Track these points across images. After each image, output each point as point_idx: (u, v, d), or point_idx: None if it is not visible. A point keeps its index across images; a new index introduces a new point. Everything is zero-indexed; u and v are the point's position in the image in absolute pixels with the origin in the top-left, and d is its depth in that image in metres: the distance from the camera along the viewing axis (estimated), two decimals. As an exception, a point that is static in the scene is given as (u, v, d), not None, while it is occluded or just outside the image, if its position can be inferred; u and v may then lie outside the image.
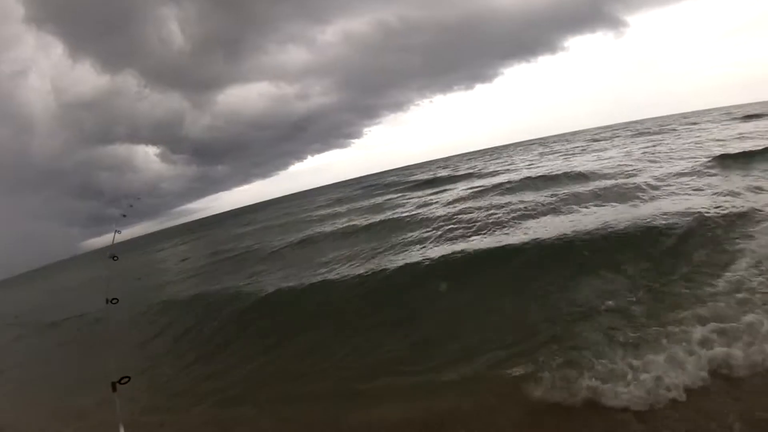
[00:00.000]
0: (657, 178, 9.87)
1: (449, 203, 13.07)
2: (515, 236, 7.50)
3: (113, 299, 2.90)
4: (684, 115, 48.28)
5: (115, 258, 3.66)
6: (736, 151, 11.10)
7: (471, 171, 23.06)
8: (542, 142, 52.14)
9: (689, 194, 8.13)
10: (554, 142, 42.94)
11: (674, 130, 24.83)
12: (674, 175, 9.98)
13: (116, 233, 4.03)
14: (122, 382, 2.25)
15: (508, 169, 19.86)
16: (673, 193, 8.48)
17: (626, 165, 12.85)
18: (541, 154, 25.92)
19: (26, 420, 5.57)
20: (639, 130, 32.17)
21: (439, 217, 10.88)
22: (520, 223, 8.50)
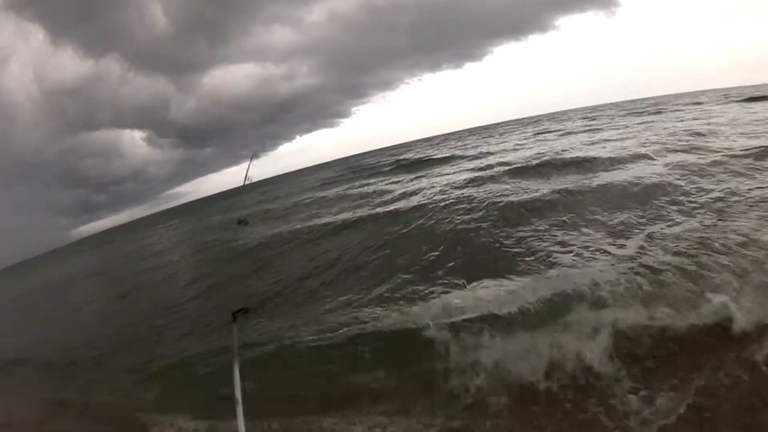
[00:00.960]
0: (655, 173, 8.48)
1: (433, 195, 11.95)
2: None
3: (243, 221, 4.14)
4: (678, 96, 47.59)
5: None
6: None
7: (460, 153, 21.95)
8: (534, 120, 51.02)
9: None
10: (547, 120, 41.84)
11: (676, 110, 23.98)
12: (673, 167, 8.64)
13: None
14: (241, 312, 2.44)
15: (498, 151, 18.87)
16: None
17: (630, 150, 11.40)
18: (535, 134, 24.88)
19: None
20: (632, 109, 31.34)
21: (413, 220, 9.29)
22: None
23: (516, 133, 30.62)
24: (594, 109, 52.67)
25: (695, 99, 30.50)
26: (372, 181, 19.11)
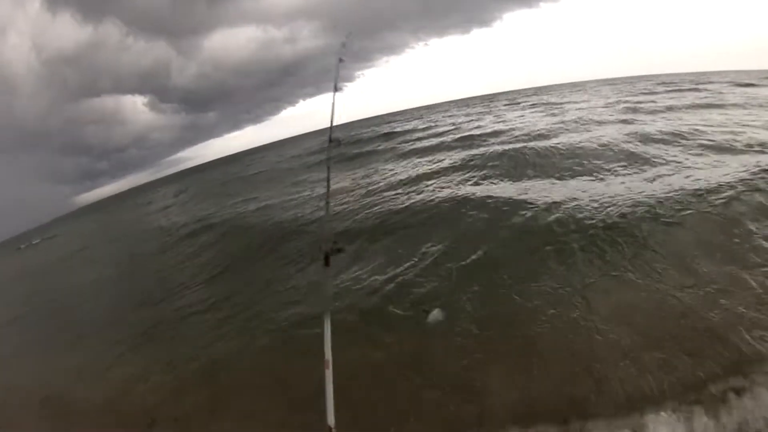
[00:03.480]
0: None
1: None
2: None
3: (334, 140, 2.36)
4: (703, 74, 43.90)
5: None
6: None
7: (468, 131, 19.26)
8: (546, 91, 47.44)
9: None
10: (568, 91, 38.38)
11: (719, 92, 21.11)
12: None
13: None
14: (336, 250, 1.96)
15: (508, 129, 16.23)
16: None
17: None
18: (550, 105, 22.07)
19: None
20: (667, 83, 28.23)
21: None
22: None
23: (531, 106, 27.54)
24: (610, 81, 48.97)
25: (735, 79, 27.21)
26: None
